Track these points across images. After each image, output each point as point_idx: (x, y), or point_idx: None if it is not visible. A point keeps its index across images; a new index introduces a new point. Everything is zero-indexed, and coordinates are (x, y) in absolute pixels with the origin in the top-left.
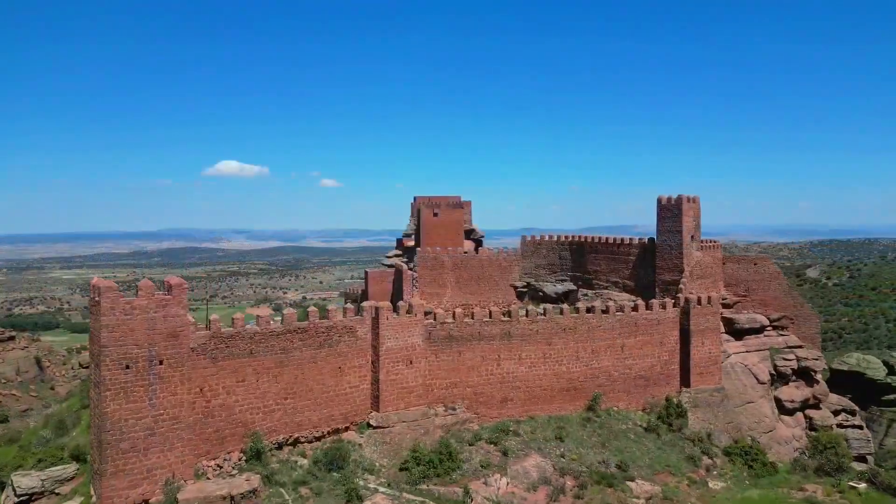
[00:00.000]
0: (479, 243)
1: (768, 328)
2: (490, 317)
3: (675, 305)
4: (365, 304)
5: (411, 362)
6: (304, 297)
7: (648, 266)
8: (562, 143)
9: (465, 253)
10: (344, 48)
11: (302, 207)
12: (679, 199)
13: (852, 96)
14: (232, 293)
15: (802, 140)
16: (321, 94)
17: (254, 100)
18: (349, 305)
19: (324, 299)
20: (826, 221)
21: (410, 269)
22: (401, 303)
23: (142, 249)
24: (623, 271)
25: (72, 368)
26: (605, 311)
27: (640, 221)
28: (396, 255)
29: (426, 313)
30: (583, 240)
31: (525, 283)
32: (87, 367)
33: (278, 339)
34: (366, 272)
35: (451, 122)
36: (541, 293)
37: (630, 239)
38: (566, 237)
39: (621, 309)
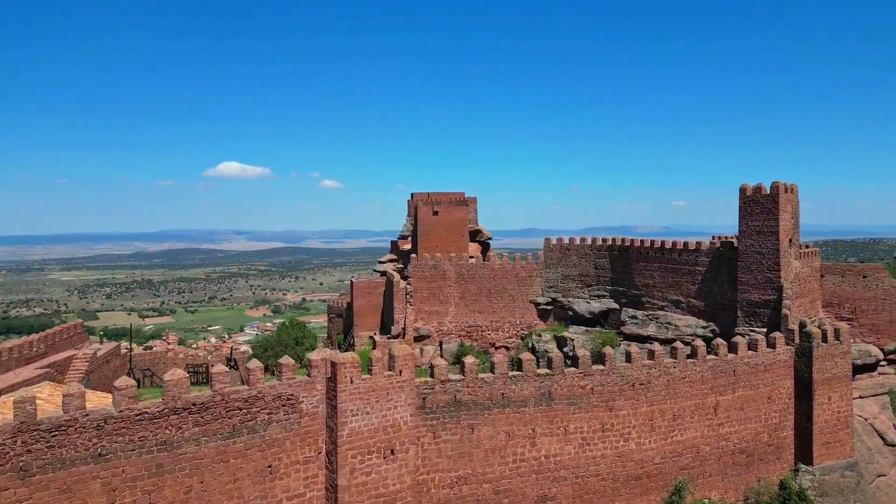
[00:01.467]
0: (486, 246)
1: (882, 363)
2: (519, 368)
3: (788, 342)
4: (313, 356)
5: (393, 451)
6: (304, 299)
7: (724, 280)
8: (563, 142)
9: (472, 258)
10: (345, 48)
11: (303, 208)
12: (775, 188)
13: (849, 96)
14: (231, 295)
15: (800, 142)
16: (322, 94)
17: (255, 101)
18: (322, 350)
19: (323, 301)
20: (825, 222)
21: (405, 279)
22: (374, 353)
23: (142, 251)
24: (687, 287)
25: None
26: (691, 353)
27: (642, 221)
28: (391, 261)
29: (419, 337)
30: (628, 244)
31: (549, 300)
32: None
33: (155, 425)
34: (351, 282)
35: (451, 122)
36: (570, 312)
37: (697, 243)
38: (604, 240)
39: (712, 349)
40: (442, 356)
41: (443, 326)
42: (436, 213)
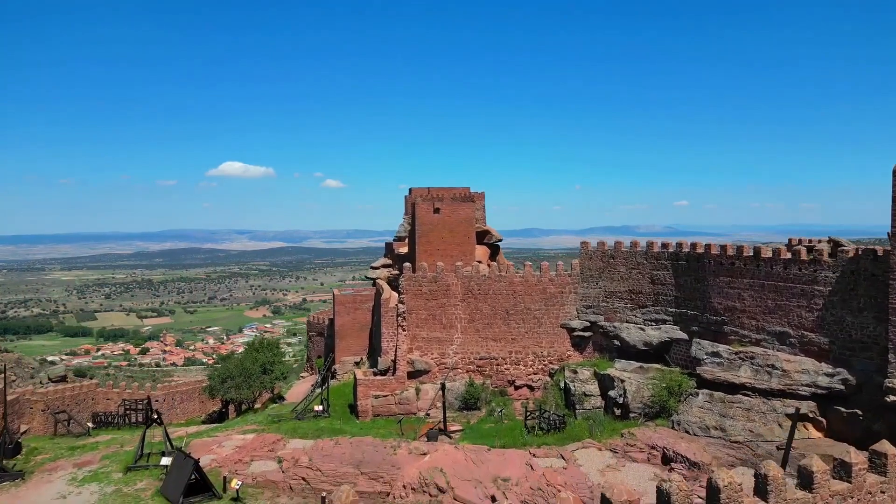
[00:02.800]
0: (495, 250)
1: None
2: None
3: None
4: None
5: None
6: (304, 300)
7: (863, 306)
8: (566, 142)
9: (479, 263)
10: (348, 47)
11: (305, 208)
12: None
13: (852, 93)
14: (231, 295)
15: (803, 140)
16: (325, 93)
17: (260, 101)
18: None
19: (324, 301)
20: (829, 222)
21: (398, 293)
22: None
23: (144, 250)
24: (799, 314)
25: (40, 383)
26: None
27: (644, 221)
28: (385, 266)
29: (415, 372)
30: (702, 251)
31: (588, 324)
32: (56, 381)
33: None
34: (333, 295)
35: (453, 121)
36: (616, 342)
37: (814, 250)
38: (664, 245)
39: None
40: (445, 397)
41: (446, 358)
42: (437, 210)
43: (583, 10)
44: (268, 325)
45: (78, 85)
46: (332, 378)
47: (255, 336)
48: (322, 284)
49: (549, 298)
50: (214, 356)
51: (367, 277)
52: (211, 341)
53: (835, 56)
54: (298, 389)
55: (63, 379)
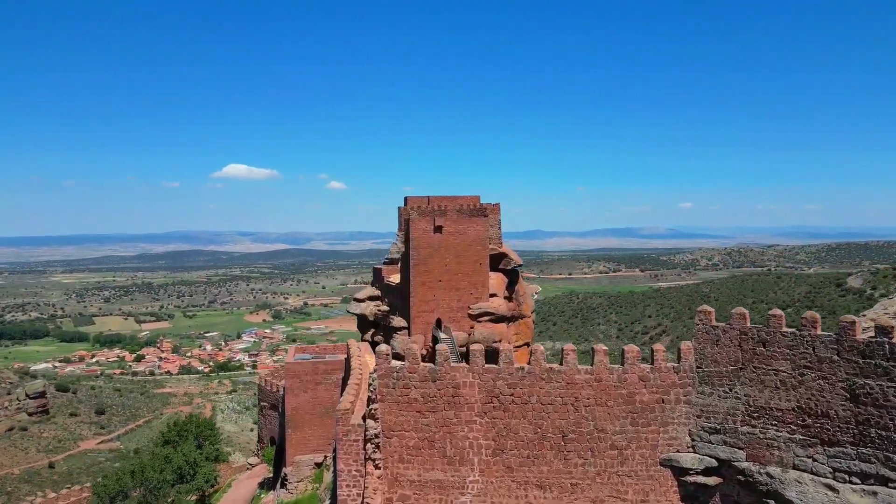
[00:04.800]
0: (513, 277)
1: None
2: None
3: None
4: None
5: None
6: (306, 303)
7: None
8: (569, 143)
9: (493, 295)
10: (350, 48)
11: (308, 210)
12: None
13: (856, 93)
14: (231, 299)
15: (807, 140)
16: (329, 94)
17: (264, 102)
18: None
19: (325, 305)
20: (834, 224)
21: (370, 392)
22: None
23: (147, 252)
24: None
25: (17, 399)
26: None
27: (647, 223)
28: (371, 298)
29: None
30: None
31: (712, 462)
32: (35, 398)
33: None
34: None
35: (456, 120)
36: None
37: None
38: (886, 328)
39: None
40: None
41: None
42: (438, 228)
43: (584, 10)
44: (267, 331)
45: (82, 86)
46: (282, 486)
47: (255, 342)
48: (324, 288)
49: (638, 413)
50: (211, 364)
51: (348, 312)
52: (209, 347)
53: (838, 56)
54: (239, 492)
55: (42, 395)
